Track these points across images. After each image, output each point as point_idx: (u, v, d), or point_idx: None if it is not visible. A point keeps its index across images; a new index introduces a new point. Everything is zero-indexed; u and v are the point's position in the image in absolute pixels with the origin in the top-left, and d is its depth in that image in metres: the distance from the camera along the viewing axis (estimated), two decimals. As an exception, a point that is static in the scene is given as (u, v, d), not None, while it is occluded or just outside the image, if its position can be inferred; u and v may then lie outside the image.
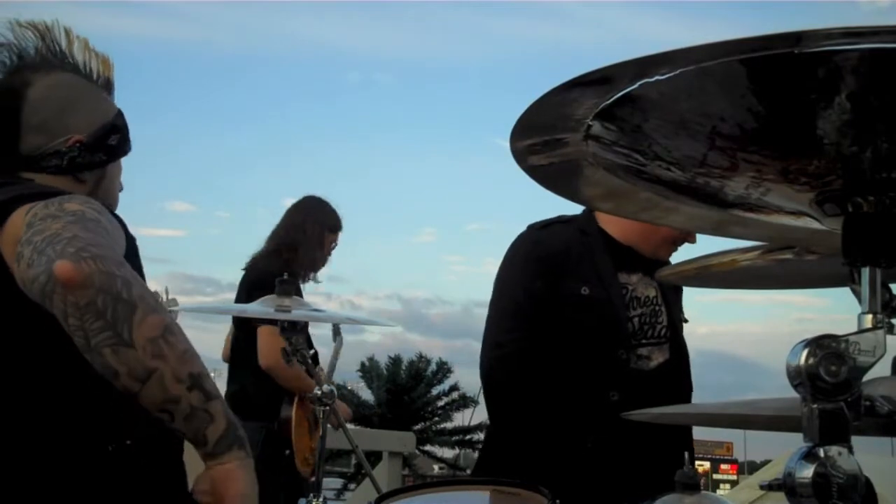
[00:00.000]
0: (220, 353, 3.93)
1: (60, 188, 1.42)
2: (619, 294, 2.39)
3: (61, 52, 1.53)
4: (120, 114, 1.57)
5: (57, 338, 1.17)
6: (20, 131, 1.47)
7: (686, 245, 2.50)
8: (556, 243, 2.43)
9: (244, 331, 3.57)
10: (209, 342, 3.87)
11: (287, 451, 3.28)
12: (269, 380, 3.41)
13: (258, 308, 2.67)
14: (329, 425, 2.68)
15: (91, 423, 1.31)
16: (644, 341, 2.41)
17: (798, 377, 0.77)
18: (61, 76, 1.52)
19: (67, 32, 1.54)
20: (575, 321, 2.34)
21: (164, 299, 3.42)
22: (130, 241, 1.37)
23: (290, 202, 3.84)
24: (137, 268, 1.35)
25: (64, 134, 1.49)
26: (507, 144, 0.84)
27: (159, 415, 1.15)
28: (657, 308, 2.44)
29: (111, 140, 1.53)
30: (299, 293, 3.40)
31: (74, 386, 1.30)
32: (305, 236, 3.70)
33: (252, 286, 3.44)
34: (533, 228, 2.50)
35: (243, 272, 3.71)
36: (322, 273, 3.77)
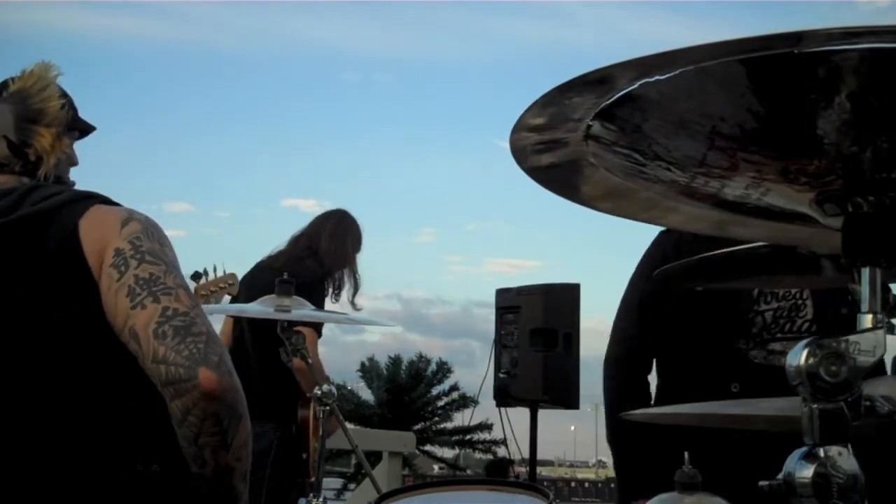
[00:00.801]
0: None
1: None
2: (740, 287, 2.37)
3: None
4: None
5: (113, 353, 1.30)
6: None
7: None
8: (677, 244, 2.49)
9: (257, 331, 3.54)
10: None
11: (304, 455, 3.26)
12: (285, 382, 3.30)
13: (258, 308, 2.67)
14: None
15: (124, 440, 1.34)
16: (779, 335, 2.40)
17: (798, 377, 0.77)
18: None
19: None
20: (692, 317, 2.43)
21: (219, 275, 3.34)
22: None
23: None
24: None
25: None
26: (507, 145, 0.84)
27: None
28: (800, 302, 2.41)
29: None
30: (319, 300, 3.39)
31: (116, 401, 1.33)
32: (344, 254, 3.71)
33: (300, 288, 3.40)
34: (661, 232, 2.57)
35: (265, 272, 3.66)
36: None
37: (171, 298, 1.29)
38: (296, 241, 3.77)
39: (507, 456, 4.90)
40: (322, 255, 3.68)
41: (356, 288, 3.77)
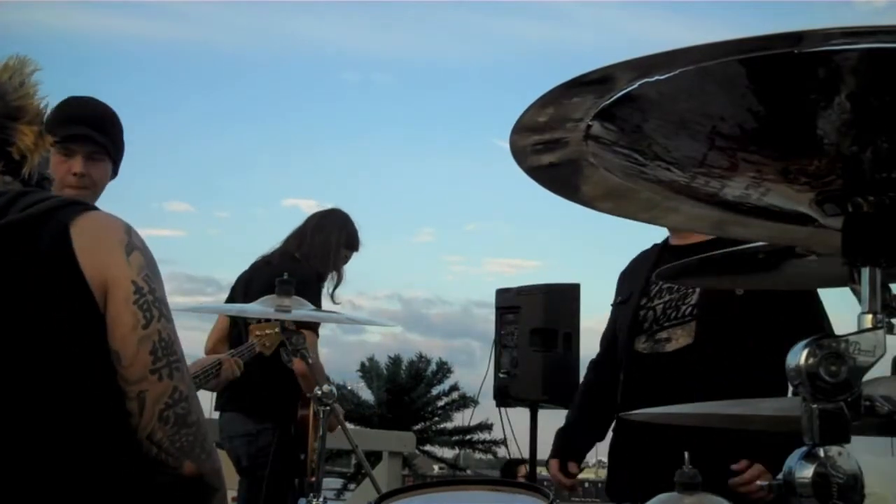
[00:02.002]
0: (220, 352, 3.87)
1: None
2: (641, 290, 2.69)
3: None
4: None
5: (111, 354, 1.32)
6: None
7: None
8: (628, 266, 2.91)
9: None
10: (209, 342, 3.84)
11: (302, 456, 3.26)
12: (284, 382, 3.28)
13: (258, 308, 2.67)
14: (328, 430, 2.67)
15: (126, 440, 1.34)
16: (666, 324, 2.61)
17: (798, 377, 0.77)
18: None
19: None
20: (617, 327, 2.79)
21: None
22: None
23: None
24: None
25: None
26: (506, 145, 0.84)
27: None
28: (689, 291, 2.61)
29: None
30: (314, 299, 3.38)
31: (117, 401, 1.33)
32: (327, 248, 3.70)
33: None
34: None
35: (261, 270, 3.64)
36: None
37: (180, 377, 1.35)
38: (288, 240, 3.78)
39: (508, 455, 4.90)
40: (306, 250, 3.68)
41: (338, 282, 3.77)
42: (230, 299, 3.76)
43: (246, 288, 3.65)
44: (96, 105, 2.50)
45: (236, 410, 3.54)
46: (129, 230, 1.39)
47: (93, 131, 2.40)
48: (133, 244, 1.38)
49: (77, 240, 1.32)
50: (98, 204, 2.48)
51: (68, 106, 2.45)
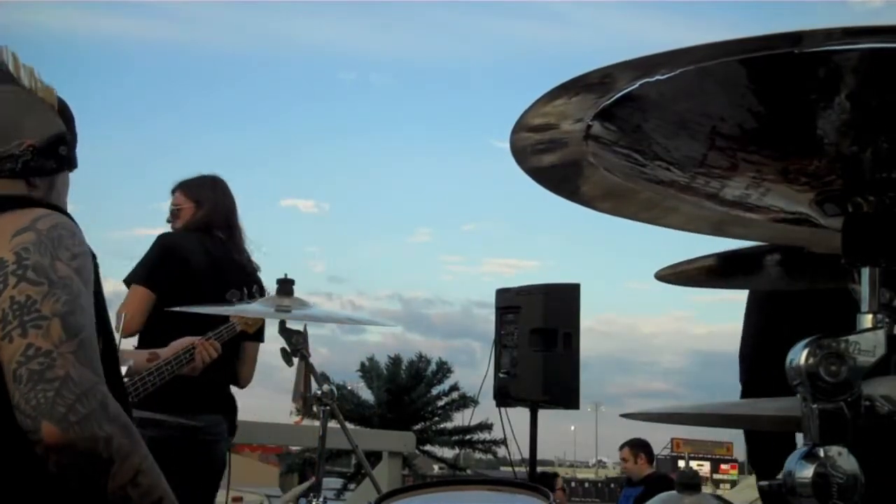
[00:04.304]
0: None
1: (19, 193, 1.45)
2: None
3: (8, 71, 1.54)
4: (67, 130, 1.58)
5: None
6: None
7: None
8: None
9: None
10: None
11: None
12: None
13: (258, 308, 2.67)
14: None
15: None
16: None
17: (798, 377, 0.77)
18: (12, 87, 1.54)
19: (14, 57, 1.53)
20: None
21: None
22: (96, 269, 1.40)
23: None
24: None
25: (17, 138, 1.51)
26: (503, 145, 0.84)
27: None
28: None
29: (61, 150, 1.56)
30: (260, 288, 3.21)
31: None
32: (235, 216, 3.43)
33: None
34: None
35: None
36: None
37: (39, 333, 1.23)
38: (201, 220, 3.34)
39: (508, 455, 4.90)
40: (227, 232, 3.35)
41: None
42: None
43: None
44: None
45: (218, 412, 3.28)
46: (38, 218, 1.33)
47: None
48: (31, 227, 1.32)
49: None
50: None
51: None
